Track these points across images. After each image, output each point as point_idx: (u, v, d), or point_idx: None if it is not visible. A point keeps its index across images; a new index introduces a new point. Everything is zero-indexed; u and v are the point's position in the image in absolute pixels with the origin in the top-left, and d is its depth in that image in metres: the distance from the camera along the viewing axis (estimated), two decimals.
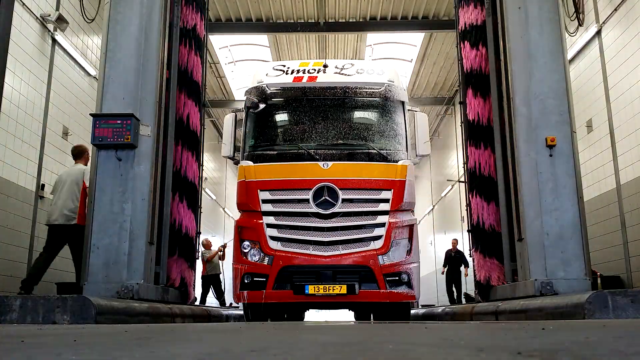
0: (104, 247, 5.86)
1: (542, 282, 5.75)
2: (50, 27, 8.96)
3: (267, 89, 7.49)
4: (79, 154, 7.19)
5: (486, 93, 7.55)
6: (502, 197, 6.98)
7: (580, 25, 8.92)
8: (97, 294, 5.65)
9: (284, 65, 7.79)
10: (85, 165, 7.06)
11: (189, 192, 7.78)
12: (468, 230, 7.59)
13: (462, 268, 14.43)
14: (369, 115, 7.93)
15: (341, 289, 6.61)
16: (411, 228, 6.92)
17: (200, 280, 13.29)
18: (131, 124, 5.73)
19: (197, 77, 7.98)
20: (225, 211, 21.06)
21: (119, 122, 5.70)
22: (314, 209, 6.79)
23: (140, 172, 6.01)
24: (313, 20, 13.80)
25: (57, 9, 9.15)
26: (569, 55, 10.13)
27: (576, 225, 5.94)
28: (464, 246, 14.80)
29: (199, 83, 8.07)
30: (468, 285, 12.75)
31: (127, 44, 6.09)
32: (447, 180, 19.10)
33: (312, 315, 11.83)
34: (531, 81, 6.28)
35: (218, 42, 15.16)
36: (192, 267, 7.92)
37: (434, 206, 22.87)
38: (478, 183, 7.49)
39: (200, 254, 12.40)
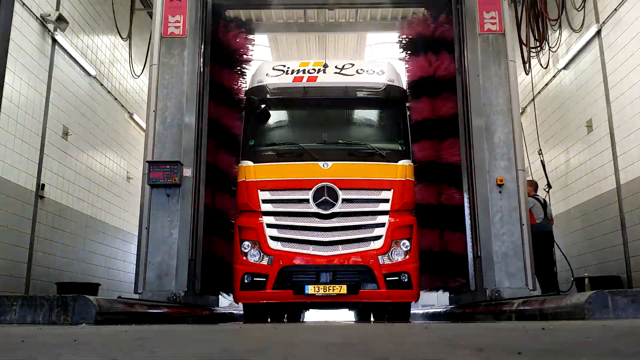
0: (157, 263, 7.20)
1: (492, 290, 7.12)
2: (50, 27, 8.95)
3: (267, 89, 7.49)
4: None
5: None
6: (467, 225, 7.93)
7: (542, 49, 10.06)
8: (152, 299, 6.95)
9: (284, 65, 7.77)
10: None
11: (219, 222, 8.54)
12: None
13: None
14: (369, 115, 7.93)
15: (341, 289, 6.61)
16: (411, 228, 6.93)
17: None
18: (177, 168, 7.28)
19: (228, 125, 8.71)
20: None
21: (168, 167, 7.26)
22: (314, 209, 6.79)
23: (183, 205, 7.45)
24: (313, 20, 13.78)
25: (57, 9, 9.14)
26: (570, 56, 10.16)
27: (519, 247, 7.26)
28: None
29: (230, 130, 8.73)
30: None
31: (172, 105, 7.66)
32: None
33: (312, 315, 11.81)
34: (486, 133, 7.63)
35: None
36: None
37: None
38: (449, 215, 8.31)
39: None
